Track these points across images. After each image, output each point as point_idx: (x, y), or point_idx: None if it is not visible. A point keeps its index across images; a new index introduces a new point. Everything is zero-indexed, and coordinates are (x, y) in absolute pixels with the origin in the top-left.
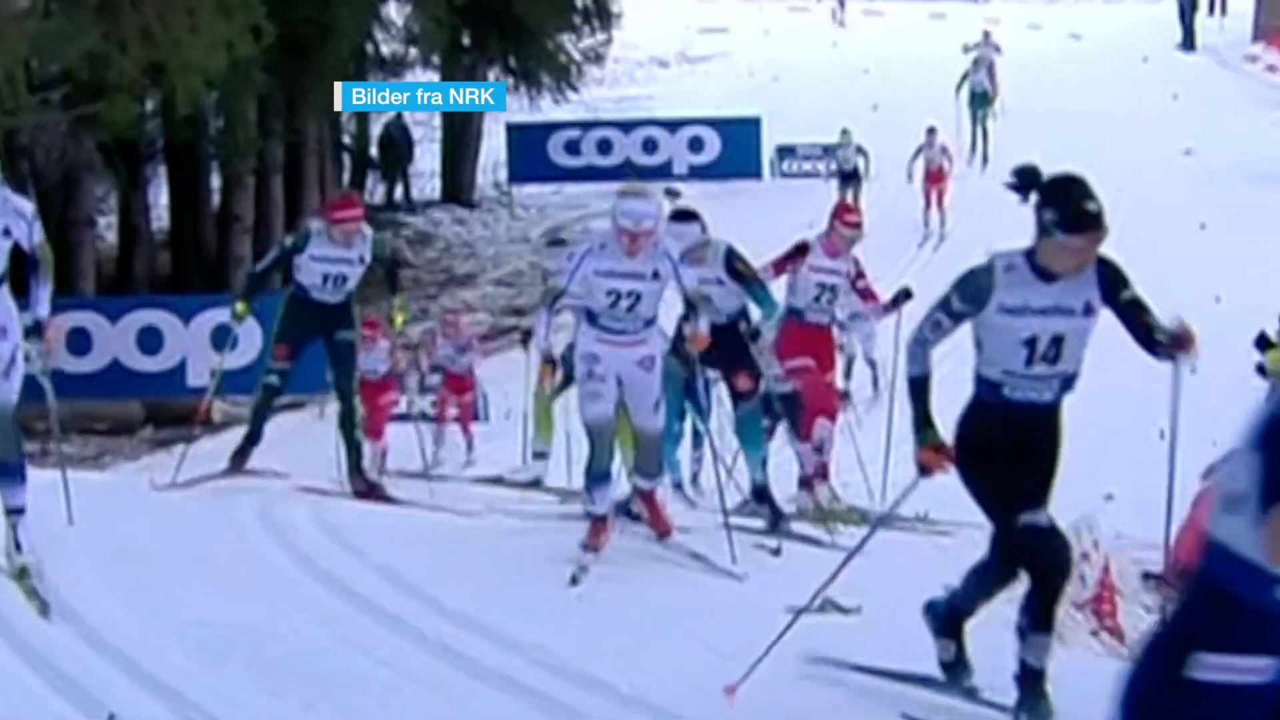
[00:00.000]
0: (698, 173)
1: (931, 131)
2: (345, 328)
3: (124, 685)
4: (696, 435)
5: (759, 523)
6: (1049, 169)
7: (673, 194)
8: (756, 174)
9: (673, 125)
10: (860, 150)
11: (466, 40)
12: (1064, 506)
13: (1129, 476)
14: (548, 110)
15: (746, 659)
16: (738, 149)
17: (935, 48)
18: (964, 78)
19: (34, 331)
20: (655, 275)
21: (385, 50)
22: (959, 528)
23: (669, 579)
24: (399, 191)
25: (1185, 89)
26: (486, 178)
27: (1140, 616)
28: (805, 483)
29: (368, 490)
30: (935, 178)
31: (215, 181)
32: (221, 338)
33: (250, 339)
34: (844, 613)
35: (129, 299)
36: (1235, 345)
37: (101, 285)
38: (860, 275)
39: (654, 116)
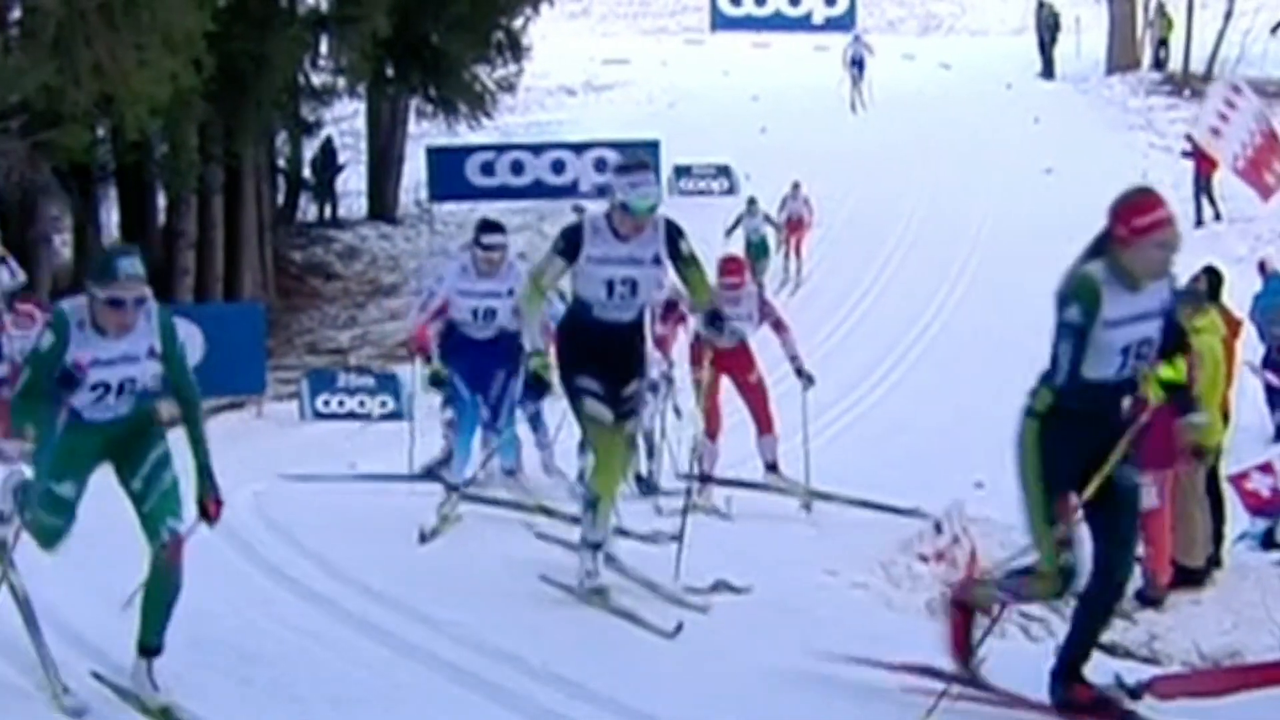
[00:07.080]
0: (603, 191)
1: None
2: None
3: (73, 659)
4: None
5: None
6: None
7: (578, 209)
8: None
9: (579, 148)
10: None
11: (390, 72)
12: (937, 494)
13: (997, 466)
14: (465, 135)
15: (650, 637)
16: None
17: (818, 77)
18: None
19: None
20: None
21: (316, 81)
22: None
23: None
24: (328, 210)
25: (1045, 113)
26: (409, 196)
27: None
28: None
29: None
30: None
31: (161, 201)
32: None
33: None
34: (736, 592)
35: None
36: None
37: (57, 296)
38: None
39: (562, 140)
